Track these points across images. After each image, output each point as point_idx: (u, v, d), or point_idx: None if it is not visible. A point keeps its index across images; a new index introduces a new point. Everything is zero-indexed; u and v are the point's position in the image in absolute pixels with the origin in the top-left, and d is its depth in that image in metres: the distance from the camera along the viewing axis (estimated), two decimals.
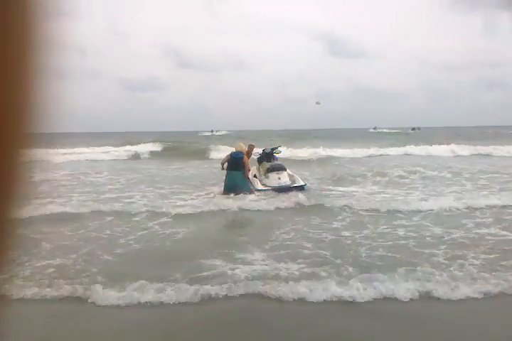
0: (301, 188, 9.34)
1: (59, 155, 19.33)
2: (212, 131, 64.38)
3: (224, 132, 64.10)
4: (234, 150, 9.74)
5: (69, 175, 13.99)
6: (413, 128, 67.70)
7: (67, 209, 8.19)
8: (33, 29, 0.20)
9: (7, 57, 0.20)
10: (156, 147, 27.65)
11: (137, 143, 29.81)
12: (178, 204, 8.61)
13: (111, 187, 11.45)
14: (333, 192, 9.77)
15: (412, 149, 22.77)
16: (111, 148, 26.65)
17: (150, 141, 30.58)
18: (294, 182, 9.62)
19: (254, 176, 10.19)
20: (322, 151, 22.00)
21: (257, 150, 10.95)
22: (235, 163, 9.41)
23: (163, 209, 8.01)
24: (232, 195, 9.03)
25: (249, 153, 10.40)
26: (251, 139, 24.11)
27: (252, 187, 9.47)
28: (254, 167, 10.68)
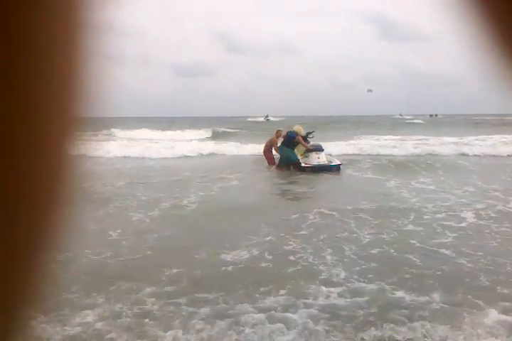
0: (337, 167, 10.60)
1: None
2: (267, 118, 60.16)
3: (279, 118, 59.61)
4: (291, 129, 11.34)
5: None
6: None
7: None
8: (84, 14, 0.21)
9: (57, 41, 0.20)
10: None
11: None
12: None
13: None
14: None
15: None
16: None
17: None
18: (330, 162, 10.78)
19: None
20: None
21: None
22: (289, 141, 11.06)
23: None
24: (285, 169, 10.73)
25: (277, 138, 11.65)
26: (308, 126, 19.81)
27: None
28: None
